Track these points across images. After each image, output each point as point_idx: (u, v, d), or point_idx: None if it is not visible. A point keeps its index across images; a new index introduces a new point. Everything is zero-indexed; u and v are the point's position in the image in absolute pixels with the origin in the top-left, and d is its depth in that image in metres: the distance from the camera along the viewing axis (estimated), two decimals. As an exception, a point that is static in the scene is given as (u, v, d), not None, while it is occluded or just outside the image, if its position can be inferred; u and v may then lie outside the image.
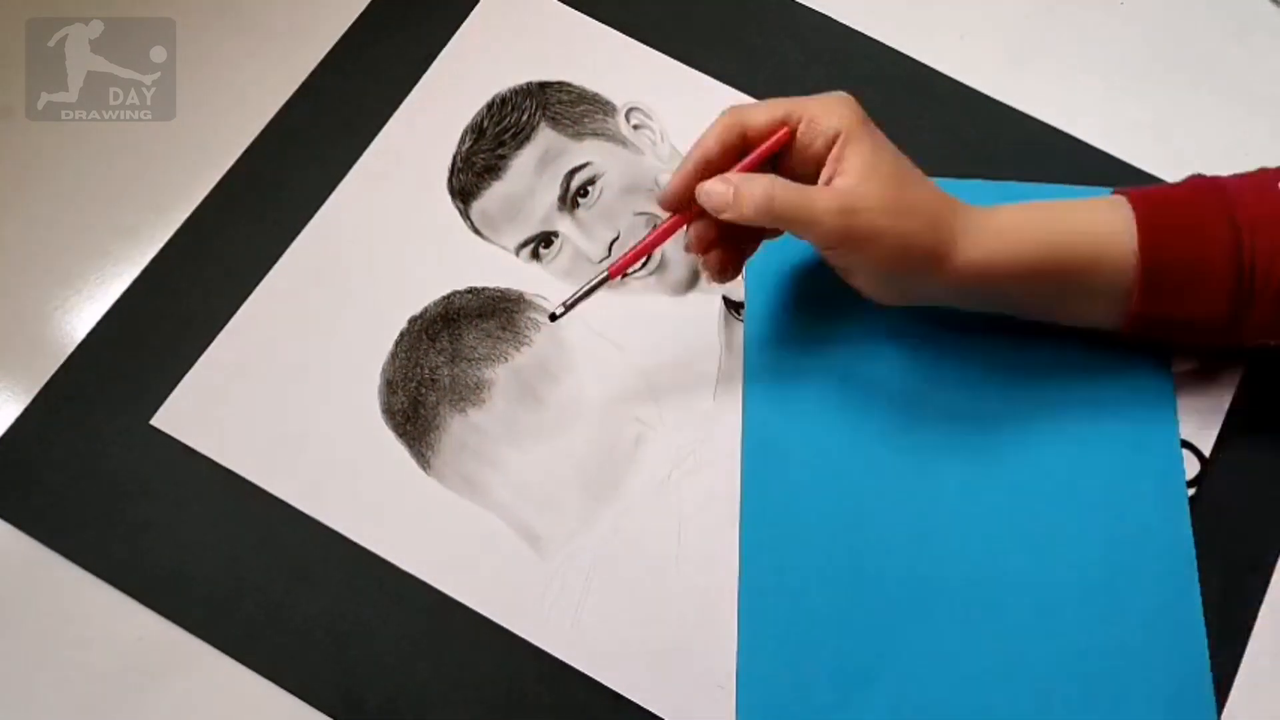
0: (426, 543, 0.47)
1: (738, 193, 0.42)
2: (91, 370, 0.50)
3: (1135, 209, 0.44)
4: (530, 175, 0.54)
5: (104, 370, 0.50)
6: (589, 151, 0.55)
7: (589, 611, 0.46)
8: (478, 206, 0.54)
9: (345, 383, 0.50)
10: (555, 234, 0.53)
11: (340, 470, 0.48)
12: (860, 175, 0.42)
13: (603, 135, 0.55)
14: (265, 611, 0.46)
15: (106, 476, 0.48)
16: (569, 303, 0.45)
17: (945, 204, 0.44)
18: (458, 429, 0.49)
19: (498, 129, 0.55)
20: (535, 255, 0.53)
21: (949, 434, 0.49)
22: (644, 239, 0.45)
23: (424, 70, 0.57)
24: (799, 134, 0.44)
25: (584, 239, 0.53)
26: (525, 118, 0.55)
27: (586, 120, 0.56)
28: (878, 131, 0.44)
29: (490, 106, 0.56)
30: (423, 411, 0.49)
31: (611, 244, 0.53)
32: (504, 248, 0.53)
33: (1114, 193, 0.47)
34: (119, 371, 0.50)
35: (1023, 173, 0.54)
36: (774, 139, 0.44)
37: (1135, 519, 0.47)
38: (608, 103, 0.56)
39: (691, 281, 0.52)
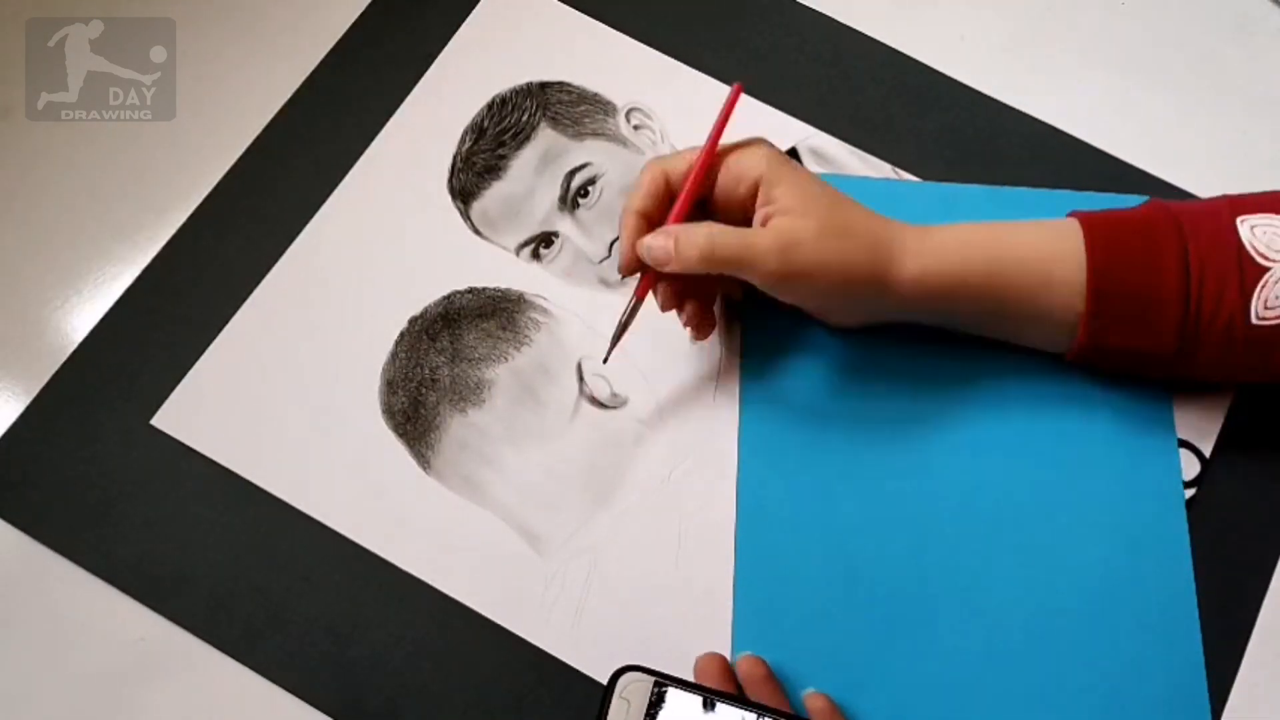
0: (426, 543, 0.47)
1: (678, 243, 0.43)
2: (91, 370, 0.50)
3: (1086, 236, 0.44)
4: (530, 175, 0.54)
5: (104, 370, 0.50)
6: (589, 151, 0.55)
7: (589, 611, 0.46)
8: (478, 206, 0.54)
9: (345, 383, 0.50)
10: (555, 234, 0.53)
11: (340, 470, 0.48)
12: (794, 209, 0.43)
13: (603, 135, 0.55)
14: (265, 611, 0.46)
15: (106, 476, 0.48)
16: (611, 347, 0.47)
17: (882, 225, 0.45)
18: (458, 429, 0.49)
19: (498, 129, 0.55)
20: (535, 255, 0.53)
21: (945, 435, 0.49)
22: (626, 310, 0.47)
23: (424, 70, 0.57)
24: (720, 182, 0.45)
25: (584, 239, 0.53)
26: (525, 118, 0.55)
27: (587, 120, 0.56)
28: (799, 166, 0.45)
29: (490, 106, 0.56)
30: (423, 411, 0.49)
31: (612, 244, 0.53)
32: (504, 248, 0.53)
33: (1069, 215, 0.46)
34: (119, 371, 0.50)
35: (1022, 173, 0.54)
36: (701, 159, 0.44)
37: (1132, 522, 0.47)
38: (608, 103, 0.56)
39: (691, 281, 0.52)
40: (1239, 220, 0.43)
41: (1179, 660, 0.45)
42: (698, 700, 0.38)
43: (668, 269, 0.44)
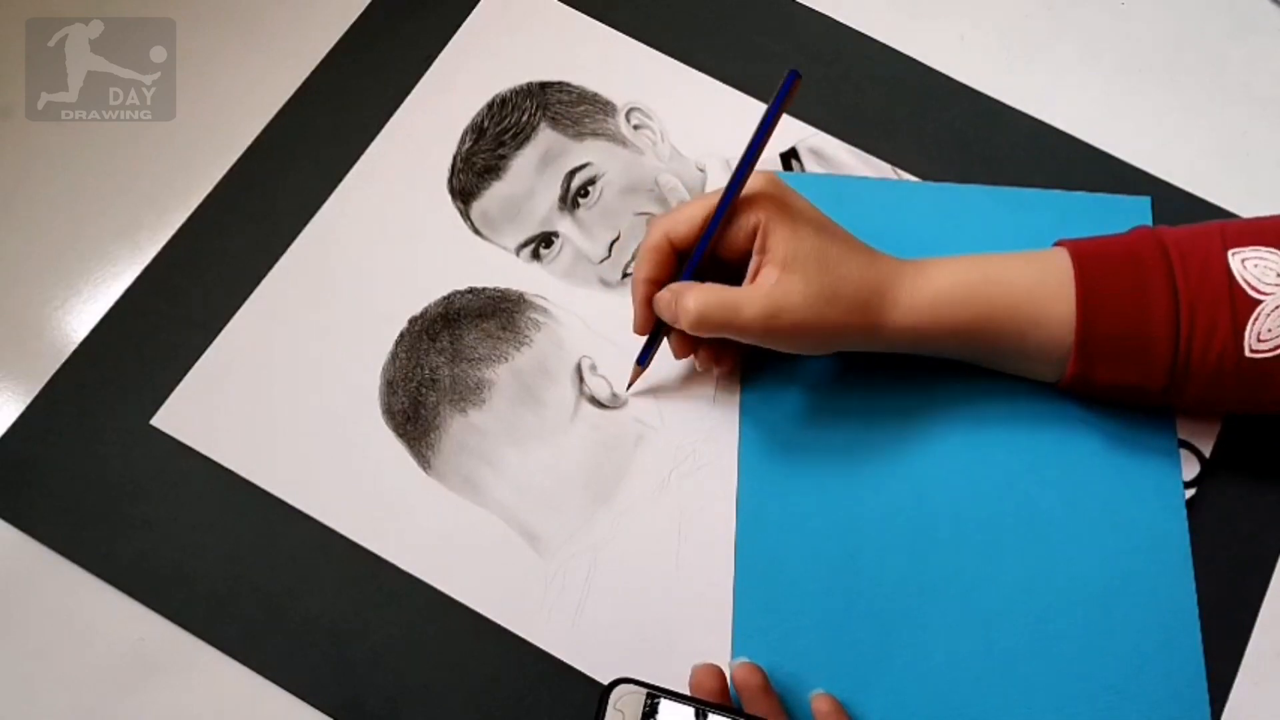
0: (426, 543, 0.47)
1: (678, 306, 0.44)
2: (91, 370, 0.50)
3: (1076, 273, 0.44)
4: (530, 175, 0.54)
5: (104, 370, 0.50)
6: (589, 151, 0.55)
7: (589, 611, 0.46)
8: (478, 206, 0.54)
9: (345, 383, 0.50)
10: (555, 234, 0.53)
11: (340, 470, 0.48)
12: (782, 267, 0.43)
13: (603, 135, 0.55)
14: (265, 611, 0.45)
15: (106, 476, 0.48)
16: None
17: (873, 280, 0.44)
18: (458, 429, 0.49)
19: (498, 129, 0.55)
20: (535, 255, 0.53)
21: (946, 434, 0.49)
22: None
23: (424, 70, 0.57)
24: (721, 228, 0.44)
25: (584, 239, 0.53)
26: (525, 118, 0.55)
27: (587, 120, 0.56)
28: (800, 210, 0.44)
29: (490, 106, 0.56)
30: (423, 411, 0.49)
31: (612, 244, 0.53)
32: (504, 248, 0.53)
33: (1057, 244, 0.46)
34: (119, 371, 0.50)
35: (1023, 173, 0.54)
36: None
37: (1132, 522, 0.47)
38: (608, 103, 0.56)
39: (691, 281, 0.52)
40: (1230, 254, 0.43)
41: (1179, 660, 0.45)
42: (690, 712, 0.38)
43: (676, 325, 0.45)
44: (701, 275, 0.45)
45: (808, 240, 0.43)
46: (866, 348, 0.46)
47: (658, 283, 0.46)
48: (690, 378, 0.50)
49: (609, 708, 0.38)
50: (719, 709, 0.39)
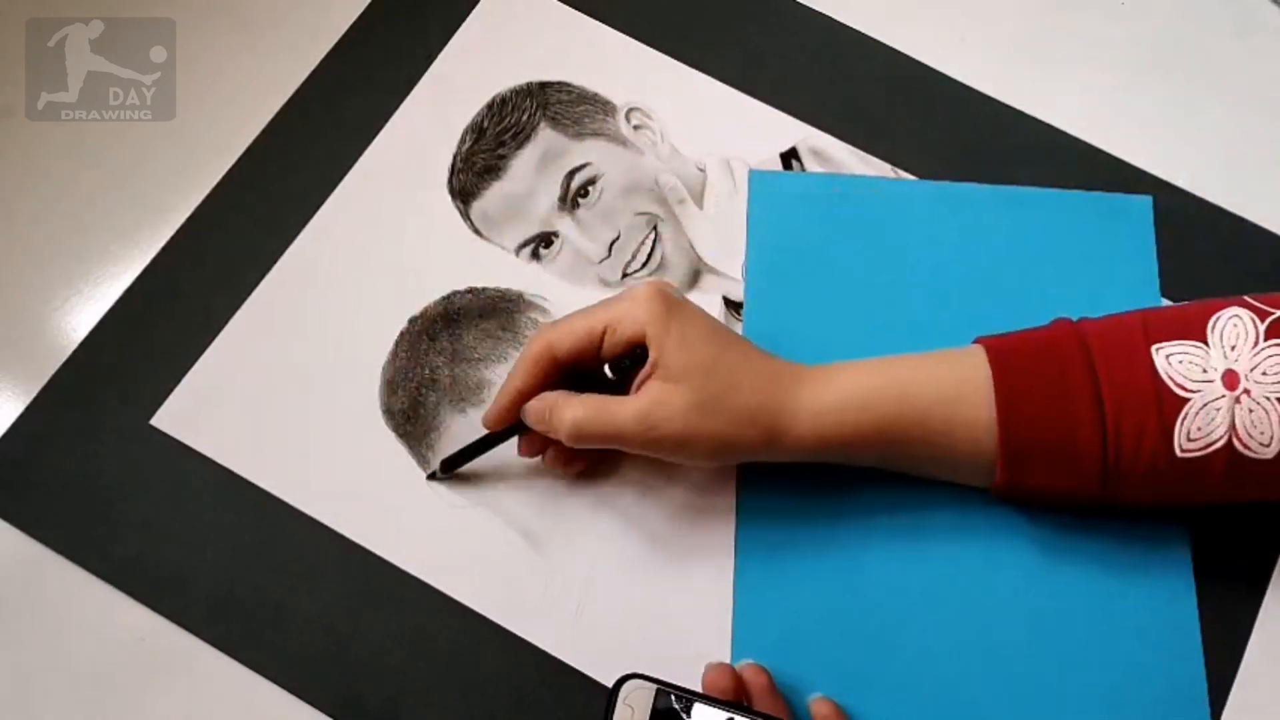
0: (426, 543, 0.47)
1: (553, 416, 0.43)
2: (91, 370, 0.50)
3: (996, 381, 0.42)
4: (530, 175, 0.54)
5: (104, 370, 0.50)
6: (589, 151, 0.55)
7: (589, 611, 0.46)
8: (478, 206, 0.54)
9: (345, 383, 0.50)
10: (555, 234, 0.53)
11: (340, 470, 0.48)
12: (665, 377, 0.42)
13: (603, 135, 0.55)
14: (265, 611, 0.45)
15: (106, 476, 0.48)
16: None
17: (768, 391, 0.42)
18: (458, 429, 0.49)
19: (498, 129, 0.55)
20: (535, 255, 0.53)
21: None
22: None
23: (424, 70, 0.57)
24: (606, 341, 0.43)
25: (584, 239, 0.53)
26: (525, 118, 0.55)
27: (586, 120, 0.56)
28: (689, 317, 0.43)
29: (490, 106, 0.56)
30: (423, 411, 0.49)
31: (612, 244, 0.53)
32: (504, 248, 0.53)
33: (976, 342, 0.44)
34: (119, 371, 0.50)
35: (1023, 173, 0.54)
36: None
37: (1132, 524, 0.47)
38: (608, 103, 0.56)
39: (691, 281, 0.52)
40: (1154, 349, 0.41)
41: (1179, 661, 0.45)
42: (700, 707, 0.38)
43: (547, 434, 0.44)
44: (579, 381, 0.44)
45: (697, 350, 0.42)
46: (771, 458, 0.44)
47: (530, 393, 0.44)
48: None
49: (619, 702, 0.38)
50: (727, 705, 0.39)
